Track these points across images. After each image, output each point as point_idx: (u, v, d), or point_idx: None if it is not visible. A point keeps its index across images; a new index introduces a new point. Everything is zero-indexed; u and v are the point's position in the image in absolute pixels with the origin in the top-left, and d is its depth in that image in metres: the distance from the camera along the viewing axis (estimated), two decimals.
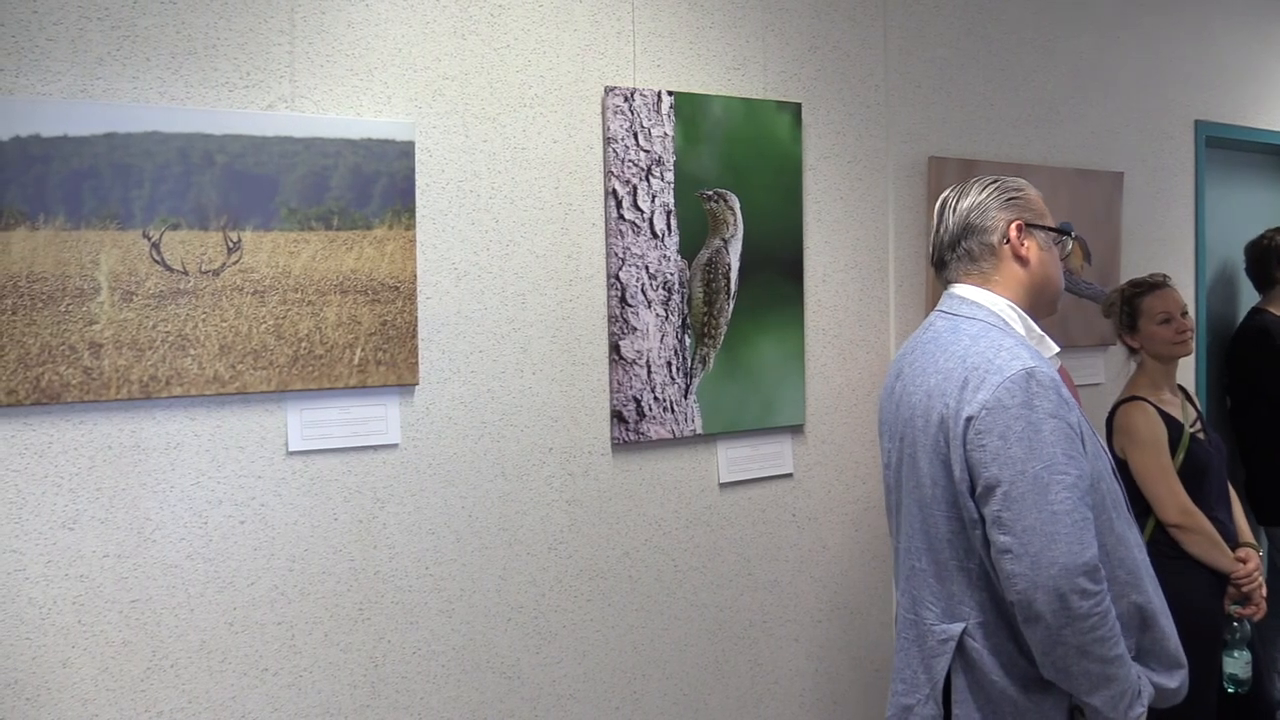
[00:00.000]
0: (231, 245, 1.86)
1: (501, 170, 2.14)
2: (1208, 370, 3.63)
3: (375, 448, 2.01)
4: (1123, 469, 2.82)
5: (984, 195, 1.80)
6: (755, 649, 2.50)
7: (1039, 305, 1.80)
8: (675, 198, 2.32)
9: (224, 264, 1.86)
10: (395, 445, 2.03)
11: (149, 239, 1.79)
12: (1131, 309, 2.91)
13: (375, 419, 2.01)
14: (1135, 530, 1.73)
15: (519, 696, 2.17)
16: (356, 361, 1.97)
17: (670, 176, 2.31)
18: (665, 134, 2.30)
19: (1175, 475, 2.76)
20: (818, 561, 2.60)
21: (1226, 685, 2.72)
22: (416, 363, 2.03)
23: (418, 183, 2.04)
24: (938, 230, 1.85)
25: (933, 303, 1.87)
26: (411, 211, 2.02)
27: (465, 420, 2.10)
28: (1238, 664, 2.71)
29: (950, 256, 1.82)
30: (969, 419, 1.61)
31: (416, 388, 2.05)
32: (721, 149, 2.39)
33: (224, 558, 1.88)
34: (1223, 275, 3.87)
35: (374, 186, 1.99)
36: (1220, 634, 2.72)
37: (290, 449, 1.93)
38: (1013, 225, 1.77)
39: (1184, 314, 2.86)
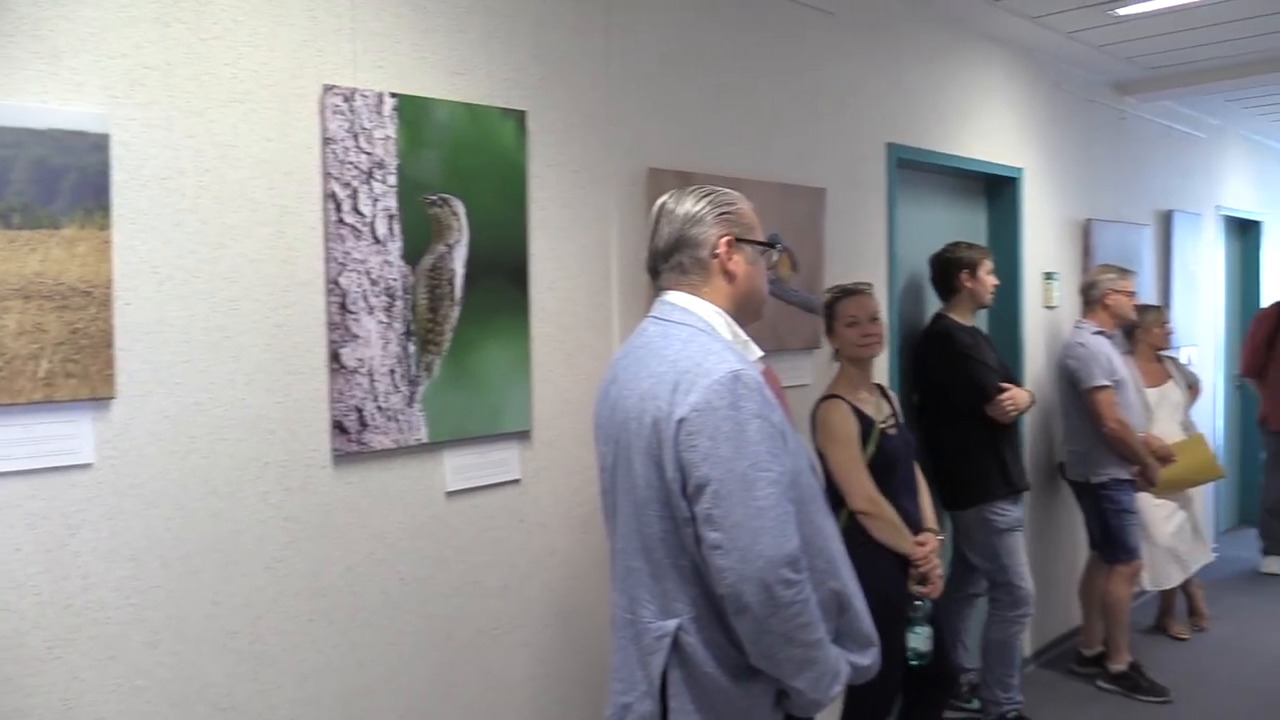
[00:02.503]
0: None
1: (209, 168, 2.01)
2: (899, 370, 3.97)
3: (65, 468, 1.84)
4: (822, 462, 3.04)
5: (699, 207, 1.89)
6: (485, 657, 2.49)
7: (745, 312, 1.92)
8: (399, 202, 2.27)
9: None
10: (89, 465, 1.86)
11: None
12: (831, 312, 3.17)
13: (65, 436, 1.84)
14: (832, 521, 1.88)
15: None
16: (42, 374, 1.79)
17: (393, 180, 2.26)
18: (388, 136, 2.25)
19: (864, 467, 3.01)
20: (546, 566, 2.63)
21: (910, 659, 2.98)
22: (113, 374, 1.87)
23: (114, 179, 1.88)
24: (653, 238, 1.93)
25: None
26: (106, 210, 1.86)
27: (170, 435, 1.96)
28: (919, 639, 2.97)
29: (663, 266, 1.91)
30: (680, 421, 1.69)
31: (113, 401, 1.89)
32: (446, 154, 2.36)
33: None
34: (912, 284, 4.25)
35: (62, 182, 1.82)
36: (904, 612, 2.97)
37: None
38: (722, 240, 1.87)
39: (873, 319, 3.12)
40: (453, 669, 2.43)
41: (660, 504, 1.75)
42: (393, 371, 2.27)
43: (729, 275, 1.88)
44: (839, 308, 3.15)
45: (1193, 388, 5.26)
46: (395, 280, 2.27)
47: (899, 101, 3.93)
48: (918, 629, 2.97)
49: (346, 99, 2.18)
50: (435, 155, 2.34)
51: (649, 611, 1.78)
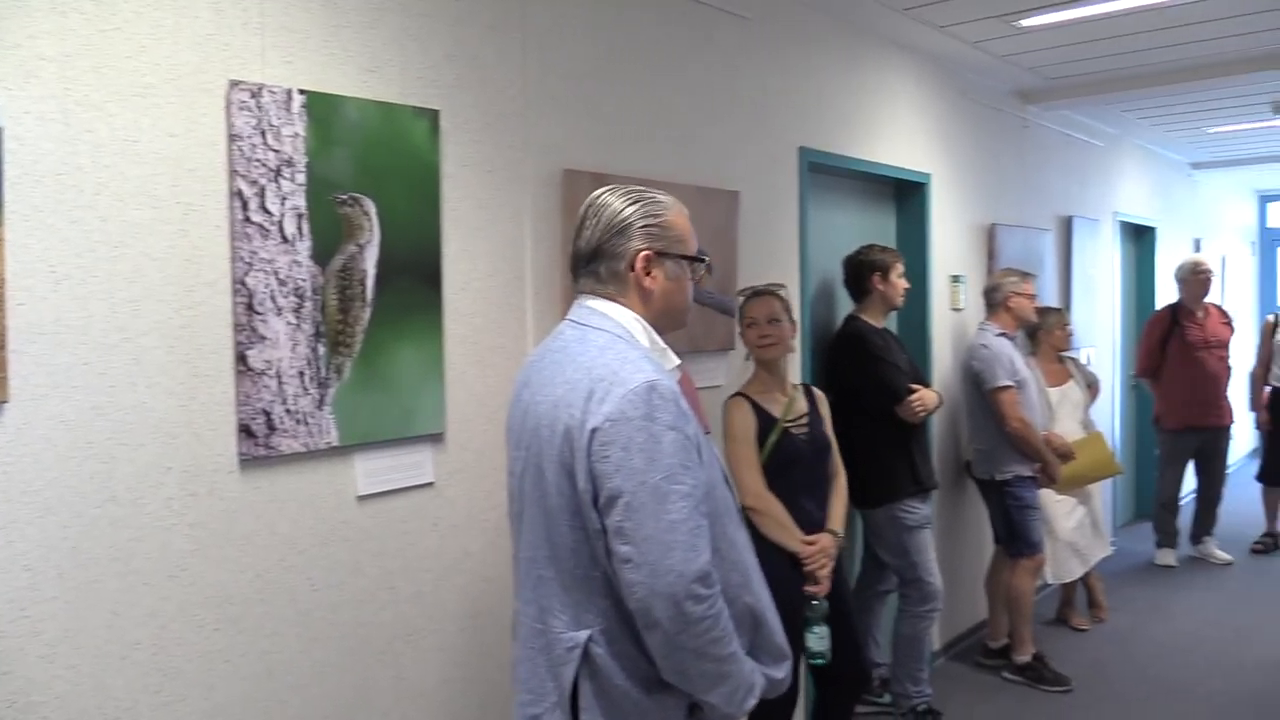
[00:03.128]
0: None
1: (109, 164, 1.95)
2: (813, 371, 4.03)
3: None
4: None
5: (626, 213, 1.83)
6: (399, 663, 2.46)
7: (663, 323, 1.88)
8: (308, 201, 2.22)
9: None
10: None
11: None
12: (740, 313, 3.22)
13: None
14: (745, 533, 1.87)
15: None
16: None
17: (302, 178, 2.22)
18: (297, 134, 2.21)
19: (755, 464, 3.04)
20: (461, 569, 2.60)
21: (808, 660, 3.00)
22: (5, 377, 1.80)
23: (6, 175, 1.80)
24: (578, 237, 1.88)
25: (568, 311, 1.94)
26: None
27: (66, 441, 1.89)
28: (815, 639, 2.99)
29: (583, 271, 1.88)
30: (594, 430, 1.66)
31: (6, 405, 1.81)
32: (357, 152, 2.32)
33: None
34: (824, 286, 4.31)
35: None
36: (801, 612, 2.99)
37: None
38: (640, 255, 1.83)
39: (772, 320, 3.16)
40: (366, 676, 2.39)
41: (571, 514, 1.71)
42: (301, 374, 2.22)
43: (645, 291, 1.84)
44: (744, 308, 3.21)
45: (1092, 387, 5.44)
46: (304, 280, 2.22)
47: (810, 106, 3.99)
48: (815, 629, 2.98)
49: (254, 95, 2.13)
50: (346, 154, 2.30)
51: (560, 622, 1.75)
